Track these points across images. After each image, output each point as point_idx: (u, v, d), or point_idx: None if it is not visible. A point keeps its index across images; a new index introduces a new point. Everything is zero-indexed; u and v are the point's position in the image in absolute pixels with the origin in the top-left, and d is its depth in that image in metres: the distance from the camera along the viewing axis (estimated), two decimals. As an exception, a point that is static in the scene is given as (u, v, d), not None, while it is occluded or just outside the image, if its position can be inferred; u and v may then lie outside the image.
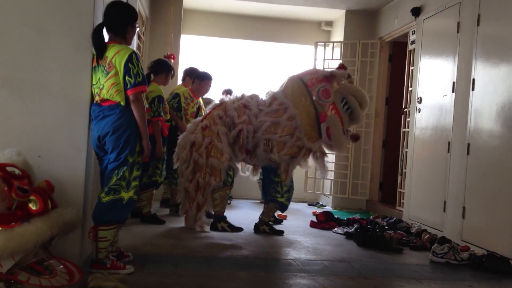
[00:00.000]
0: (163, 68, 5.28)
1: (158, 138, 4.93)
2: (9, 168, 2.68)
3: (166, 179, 5.73)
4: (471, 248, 4.39)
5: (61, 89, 3.23)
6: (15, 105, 3.18)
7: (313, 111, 4.81)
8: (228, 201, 7.09)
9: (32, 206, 2.66)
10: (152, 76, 5.20)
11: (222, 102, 4.98)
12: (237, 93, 5.16)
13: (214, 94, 7.73)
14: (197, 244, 4.30)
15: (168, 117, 5.49)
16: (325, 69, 5.21)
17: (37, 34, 3.21)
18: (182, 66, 6.70)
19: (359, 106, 4.89)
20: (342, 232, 5.17)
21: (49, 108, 3.21)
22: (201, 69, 6.18)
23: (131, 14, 3.32)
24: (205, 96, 6.44)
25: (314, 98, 4.82)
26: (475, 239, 4.61)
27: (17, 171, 2.73)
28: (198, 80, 5.85)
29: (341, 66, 5.17)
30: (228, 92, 7.76)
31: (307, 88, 4.87)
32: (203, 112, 5.90)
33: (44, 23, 3.22)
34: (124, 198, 3.15)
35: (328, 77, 4.93)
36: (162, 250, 4.03)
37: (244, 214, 6.24)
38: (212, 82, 5.97)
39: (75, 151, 3.24)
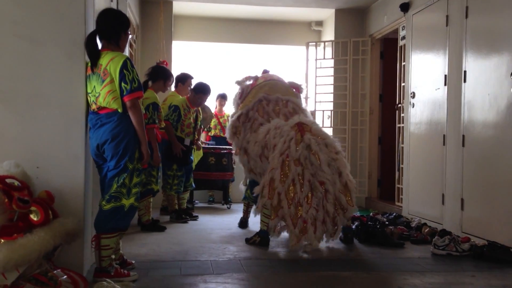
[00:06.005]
0: (161, 75, 5.27)
1: (155, 145, 4.79)
2: (8, 180, 2.68)
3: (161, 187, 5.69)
4: (472, 239, 4.41)
5: (56, 99, 3.22)
6: (11, 117, 3.17)
7: None
8: (228, 206, 7.12)
9: (34, 217, 2.66)
10: (150, 83, 5.17)
11: None
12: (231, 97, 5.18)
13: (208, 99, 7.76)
14: (200, 249, 4.29)
15: (163, 125, 5.46)
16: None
17: (29, 45, 3.20)
18: (174, 73, 6.68)
19: None
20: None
21: (45, 118, 3.20)
22: (194, 75, 6.17)
23: (123, 21, 3.32)
24: None
25: None
26: (475, 230, 4.64)
27: (16, 183, 2.73)
28: (194, 92, 5.82)
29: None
30: (222, 96, 7.78)
31: None
32: (199, 120, 5.93)
33: (36, 33, 3.21)
34: (125, 205, 3.14)
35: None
36: (165, 256, 4.02)
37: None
38: (208, 96, 5.95)
39: (73, 160, 3.23)
